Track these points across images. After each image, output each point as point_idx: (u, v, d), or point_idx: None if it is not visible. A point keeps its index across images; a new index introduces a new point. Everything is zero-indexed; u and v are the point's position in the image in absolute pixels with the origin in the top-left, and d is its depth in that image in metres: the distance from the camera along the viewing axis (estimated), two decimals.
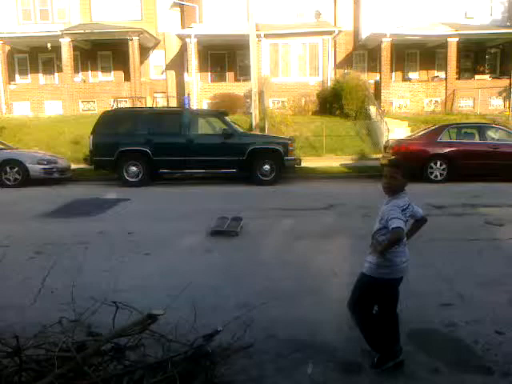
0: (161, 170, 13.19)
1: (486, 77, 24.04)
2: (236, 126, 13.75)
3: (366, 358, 3.35)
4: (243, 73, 23.70)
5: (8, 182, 12.59)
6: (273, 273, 5.31)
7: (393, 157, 13.21)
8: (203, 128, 13.32)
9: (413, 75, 24.99)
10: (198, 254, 6.10)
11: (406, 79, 24.74)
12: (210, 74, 25.16)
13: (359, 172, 15.16)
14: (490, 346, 3.50)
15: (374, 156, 16.56)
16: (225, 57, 25.03)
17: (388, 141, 14.97)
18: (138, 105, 21.42)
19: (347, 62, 24.63)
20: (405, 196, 3.21)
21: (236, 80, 24.60)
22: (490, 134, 13.52)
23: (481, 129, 13.63)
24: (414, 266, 5.44)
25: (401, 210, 3.09)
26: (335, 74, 23.48)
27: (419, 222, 3.37)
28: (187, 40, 22.35)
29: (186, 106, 21.47)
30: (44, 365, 2.55)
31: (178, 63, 24.91)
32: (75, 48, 23.38)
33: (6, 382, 2.49)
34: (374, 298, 3.24)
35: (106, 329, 3.02)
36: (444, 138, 13.13)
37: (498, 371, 3.18)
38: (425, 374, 3.17)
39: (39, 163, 12.95)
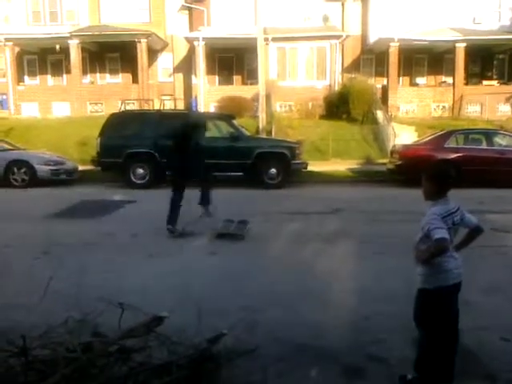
0: (168, 173, 13.21)
1: (494, 82, 23.95)
2: (243, 129, 13.78)
3: (370, 363, 3.35)
4: (251, 76, 23.73)
5: (15, 183, 12.67)
6: (277, 276, 5.31)
7: (399, 162, 13.20)
8: (210, 131, 13.34)
9: (420, 80, 24.93)
10: (202, 257, 6.12)
11: (413, 84, 24.69)
12: (217, 77, 25.23)
13: (365, 177, 15.14)
14: (495, 353, 3.48)
15: (381, 161, 16.52)
16: (232, 60, 25.09)
17: (395, 145, 14.95)
18: (146, 107, 21.49)
19: (354, 66, 24.62)
20: (446, 203, 3.02)
21: (243, 83, 24.65)
22: (498, 140, 13.47)
23: (488, 135, 13.59)
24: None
25: (441, 218, 2.93)
26: (342, 78, 23.47)
27: (473, 232, 3.20)
28: (195, 43, 22.43)
29: (194, 109, 21.52)
30: (50, 365, 2.57)
31: (186, 66, 25.00)
32: (84, 50, 23.52)
33: (13, 382, 2.51)
34: (438, 310, 3.04)
35: (112, 330, 3.04)
36: (451, 143, 13.10)
37: (502, 379, 3.17)
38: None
39: (47, 164, 13.03)
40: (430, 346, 3.07)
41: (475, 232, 3.20)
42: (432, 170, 3.15)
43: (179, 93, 25.30)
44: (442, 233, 2.81)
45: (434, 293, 3.04)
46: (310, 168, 13.68)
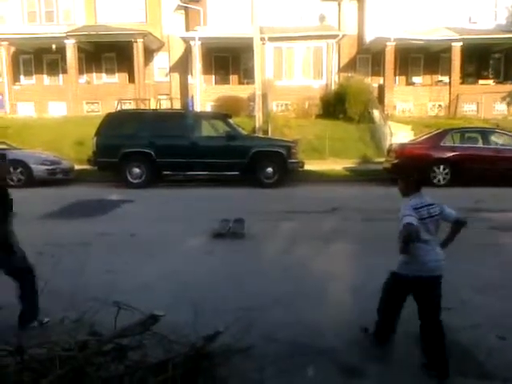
0: (164, 172, 13.22)
1: (490, 81, 23.98)
2: (239, 128, 13.77)
3: (367, 362, 3.35)
4: (247, 76, 23.71)
5: (11, 183, 12.60)
6: (274, 275, 5.31)
7: (396, 160, 13.22)
8: (206, 130, 13.35)
9: (416, 79, 24.95)
10: (199, 256, 6.11)
11: (409, 83, 24.71)
12: (213, 76, 25.20)
13: (362, 176, 15.15)
14: (492, 352, 3.48)
15: (377, 160, 16.53)
16: (229, 59, 25.05)
17: (391, 144, 14.96)
18: (142, 107, 21.45)
19: (351, 65, 24.64)
20: (419, 197, 3.34)
21: (240, 83, 24.62)
22: (494, 138, 13.50)
23: (484, 133, 13.63)
24: None
25: (412, 209, 3.22)
26: (339, 78, 23.47)
27: (455, 225, 3.47)
28: (191, 43, 22.40)
29: (190, 109, 21.50)
30: (46, 364, 2.56)
31: (182, 66, 24.95)
32: (80, 49, 23.44)
33: (8, 381, 2.50)
34: (401, 296, 3.42)
35: (108, 329, 3.03)
36: (447, 142, 13.12)
37: (499, 377, 3.18)
38: (426, 378, 3.16)
39: (43, 164, 12.99)
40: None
41: (457, 225, 3.47)
42: (403, 171, 3.57)
43: (175, 92, 25.25)
44: (409, 219, 3.12)
45: (402, 278, 3.34)
46: (306, 167, 13.69)
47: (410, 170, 3.57)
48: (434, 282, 3.31)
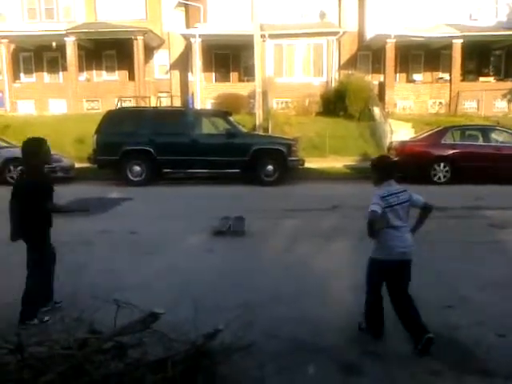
0: (164, 170, 13.21)
1: (491, 79, 23.94)
2: (240, 126, 13.76)
3: (367, 359, 3.36)
4: (247, 73, 23.68)
5: (12, 181, 12.61)
6: (274, 273, 5.31)
7: (396, 158, 13.20)
8: (207, 128, 13.34)
9: (417, 77, 24.91)
10: (200, 254, 6.12)
11: (410, 80, 24.68)
12: (214, 73, 25.17)
13: (362, 173, 15.12)
14: (492, 349, 3.49)
15: None
16: (229, 57, 25.03)
17: (392, 142, 14.96)
18: (142, 104, 21.43)
19: (351, 62, 24.59)
20: (388, 186, 3.61)
21: (240, 80, 24.59)
22: (494, 136, 13.48)
23: (485, 131, 13.61)
24: (416, 268, 5.46)
25: (380, 198, 3.52)
26: (339, 75, 23.43)
27: (423, 211, 3.72)
28: (192, 40, 22.37)
29: (190, 106, 21.48)
30: (46, 362, 2.56)
31: (183, 63, 24.92)
32: (80, 47, 23.42)
33: (9, 379, 2.50)
34: (375, 277, 3.70)
35: (108, 327, 3.03)
36: (448, 139, 13.11)
37: (499, 374, 3.18)
38: (426, 375, 3.17)
39: None
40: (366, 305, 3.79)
41: (424, 210, 3.72)
42: (375, 162, 3.81)
43: (176, 90, 25.23)
44: (373, 207, 3.47)
45: (375, 262, 3.66)
46: (306, 165, 13.68)
47: (379, 160, 3.84)
48: (402, 266, 3.61)
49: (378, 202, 3.48)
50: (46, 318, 3.99)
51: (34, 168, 4.07)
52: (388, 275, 3.65)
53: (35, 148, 4.06)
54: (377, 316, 3.74)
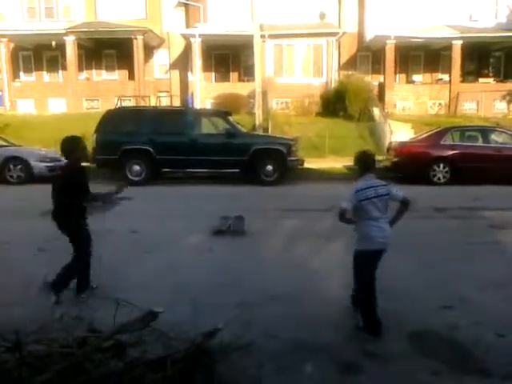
0: (164, 169, 13.19)
1: (490, 80, 23.96)
2: (239, 125, 13.74)
3: (366, 359, 3.35)
4: (247, 73, 23.68)
5: (11, 180, 12.61)
6: (274, 272, 5.31)
7: (396, 159, 13.21)
8: (206, 127, 13.32)
9: (417, 77, 24.93)
10: (199, 253, 6.11)
11: (409, 81, 24.69)
12: (213, 73, 25.17)
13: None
14: (490, 349, 3.49)
15: (377, 158, 16.44)
16: (229, 57, 25.03)
17: (391, 143, 14.95)
18: (142, 104, 21.41)
19: (351, 63, 24.60)
20: (368, 179, 3.92)
21: (240, 80, 24.59)
22: (494, 137, 13.48)
23: (484, 132, 13.61)
24: (415, 268, 5.47)
25: (355, 191, 3.85)
26: (339, 76, 23.45)
27: (401, 205, 4.00)
28: (191, 40, 22.37)
29: (190, 106, 21.47)
30: (45, 360, 2.56)
31: (182, 63, 24.92)
32: (80, 46, 23.41)
33: (7, 377, 2.50)
34: (363, 268, 3.92)
35: (108, 326, 3.02)
36: (447, 140, 13.10)
37: (497, 374, 3.18)
38: (425, 375, 3.17)
39: (42, 161, 12.95)
40: (357, 296, 3.98)
41: (403, 204, 3.99)
42: (356, 156, 4.13)
43: (175, 89, 25.22)
44: (344, 203, 3.84)
45: (360, 253, 3.91)
46: (306, 165, 13.67)
47: (359, 155, 4.12)
48: (379, 255, 3.89)
49: (349, 199, 3.82)
50: (83, 296, 4.47)
51: (71, 163, 4.50)
52: (374, 263, 3.90)
53: (72, 145, 4.45)
54: (372, 309, 3.83)
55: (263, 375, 3.07)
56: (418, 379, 3.13)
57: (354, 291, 4.06)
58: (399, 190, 3.97)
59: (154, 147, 12.56)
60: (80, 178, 4.51)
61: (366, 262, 3.89)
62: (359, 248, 3.91)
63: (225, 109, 15.82)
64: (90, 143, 13.38)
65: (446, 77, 23.78)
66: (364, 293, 3.88)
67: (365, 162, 4.03)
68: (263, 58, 20.85)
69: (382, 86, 23.23)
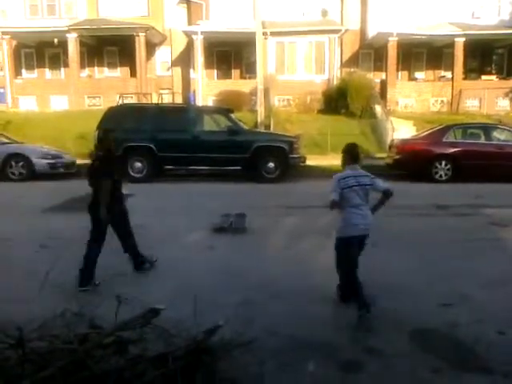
0: (165, 166, 13.21)
1: (493, 77, 23.90)
2: (241, 123, 13.74)
3: (367, 356, 3.36)
4: (249, 70, 23.66)
5: (13, 176, 12.64)
6: (275, 270, 5.32)
7: (397, 156, 13.19)
8: (208, 125, 13.32)
9: (419, 75, 24.88)
10: (201, 251, 6.12)
11: (412, 79, 24.64)
12: (215, 71, 25.14)
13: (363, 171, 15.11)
14: (492, 347, 3.49)
15: (379, 155, 16.51)
16: (231, 54, 25.00)
17: (393, 140, 14.93)
18: (144, 101, 21.41)
19: (353, 60, 24.55)
20: (351, 169, 4.19)
21: (242, 77, 24.57)
22: (496, 134, 13.45)
23: (486, 129, 13.58)
24: (417, 265, 5.47)
25: (337, 180, 4.13)
26: (341, 73, 23.41)
27: (383, 195, 4.25)
28: (193, 37, 22.34)
29: (192, 103, 21.47)
30: (47, 357, 2.57)
31: (184, 60, 24.90)
32: (82, 43, 23.40)
33: (9, 373, 2.51)
34: (345, 254, 4.15)
35: (109, 322, 3.04)
36: (450, 138, 13.08)
37: (498, 371, 3.18)
38: (426, 373, 3.17)
39: (44, 158, 12.99)
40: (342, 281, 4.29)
41: (385, 195, 4.24)
42: (343, 149, 4.37)
43: (177, 87, 25.21)
44: (333, 195, 4.08)
45: (341, 241, 4.16)
46: (308, 162, 13.66)
47: (346, 147, 4.35)
48: (362, 240, 4.15)
49: (335, 190, 4.08)
50: (97, 282, 4.73)
51: (103, 154, 4.95)
52: (356, 248, 4.14)
53: (101, 138, 5.07)
54: (359, 290, 4.01)
55: (265, 372, 3.08)
56: (419, 377, 3.13)
57: (340, 281, 4.33)
58: (383, 183, 4.29)
59: (156, 144, 12.58)
60: (109, 167, 4.94)
61: (347, 249, 4.11)
62: (341, 235, 4.16)
63: (227, 106, 15.82)
64: (91, 140, 13.45)
65: (448, 74, 23.72)
66: (350, 277, 4.11)
67: (351, 154, 4.28)
68: (265, 55, 20.83)
69: (384, 84, 23.20)
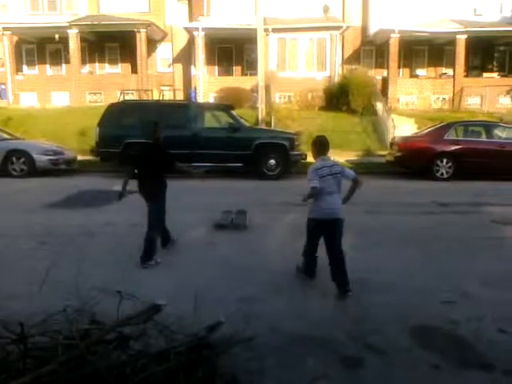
0: None
1: (495, 75, 23.86)
2: (242, 120, 13.73)
3: (368, 352, 3.37)
4: (250, 67, 23.63)
5: (14, 173, 12.64)
6: (276, 267, 5.32)
7: (399, 154, 13.18)
8: (209, 122, 13.32)
9: (420, 72, 24.84)
10: (202, 247, 6.12)
11: (413, 76, 24.61)
12: (216, 67, 25.11)
13: (364, 168, 15.10)
14: (492, 344, 3.50)
15: (380, 153, 16.50)
16: (232, 51, 24.97)
17: (394, 137, 14.92)
18: (145, 97, 21.41)
19: (355, 57, 24.52)
20: (322, 160, 4.61)
21: (243, 74, 24.55)
22: (497, 132, 13.43)
23: (488, 127, 13.56)
24: (418, 263, 5.48)
25: (314, 170, 4.49)
26: (342, 70, 23.38)
27: (353, 183, 4.69)
28: (194, 33, 22.31)
29: (193, 100, 21.45)
30: (48, 352, 2.58)
31: (185, 56, 24.88)
32: (83, 39, 23.39)
33: (11, 369, 2.52)
34: (311, 232, 4.70)
35: (110, 318, 3.04)
36: (451, 135, 13.06)
37: (499, 369, 3.19)
38: (426, 370, 3.17)
39: (46, 154, 12.98)
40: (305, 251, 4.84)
41: (354, 183, 4.68)
42: (313, 140, 4.75)
43: (178, 83, 25.20)
44: (313, 183, 4.44)
45: (311, 221, 4.65)
46: (308, 159, 13.63)
47: (315, 140, 4.74)
48: (334, 224, 4.52)
49: (315, 178, 4.43)
50: (159, 260, 5.36)
51: (154, 142, 5.76)
52: (322, 231, 4.56)
53: (153, 129, 5.73)
54: (311, 261, 4.73)
55: (265, 368, 3.09)
56: (420, 373, 3.14)
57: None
58: (352, 171, 4.74)
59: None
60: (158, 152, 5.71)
61: (314, 229, 4.62)
62: (310, 216, 4.64)
63: (228, 103, 15.80)
64: (92, 137, 13.45)
65: (449, 71, 23.69)
66: (309, 245, 4.74)
67: (320, 145, 4.69)
68: (266, 52, 20.81)
69: (385, 81, 23.18)
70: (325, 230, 4.55)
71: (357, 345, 3.49)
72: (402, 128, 17.77)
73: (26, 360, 2.55)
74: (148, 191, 5.57)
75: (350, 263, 5.30)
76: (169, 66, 25.55)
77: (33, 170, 12.68)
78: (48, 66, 25.59)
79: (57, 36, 22.91)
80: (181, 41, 24.99)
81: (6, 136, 14.02)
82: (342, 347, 3.46)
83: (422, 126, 16.92)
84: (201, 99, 21.90)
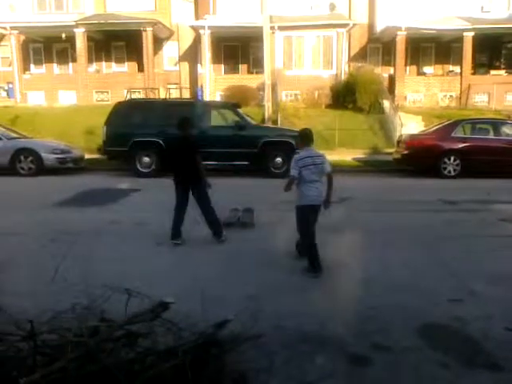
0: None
1: (502, 72, 23.69)
2: (249, 118, 13.74)
3: (374, 351, 3.37)
4: (256, 65, 23.61)
5: (22, 171, 12.72)
6: (283, 265, 5.33)
7: (406, 151, 13.14)
8: (216, 120, 13.33)
9: (427, 69, 24.72)
10: (209, 245, 6.14)
11: (420, 73, 24.50)
12: (223, 65, 25.11)
13: (371, 166, 15.09)
14: (500, 343, 3.48)
15: (387, 150, 16.46)
16: (238, 49, 24.96)
17: (401, 135, 14.88)
18: (152, 96, 21.46)
19: (361, 55, 24.43)
20: (306, 150, 5.02)
21: (249, 72, 24.54)
22: (505, 129, 13.37)
23: (495, 125, 13.49)
24: (425, 261, 5.47)
25: (297, 160, 4.92)
26: (349, 67, 23.30)
27: (328, 179, 5.13)
28: (201, 31, 22.32)
29: (199, 98, 21.48)
30: (58, 349, 2.60)
31: (192, 55, 24.90)
32: (89, 38, 23.47)
33: (21, 365, 2.54)
34: (300, 219, 5.02)
35: (118, 316, 3.06)
36: (458, 133, 13.02)
37: (507, 367, 3.18)
38: (434, 368, 3.17)
39: (53, 153, 13.05)
40: (302, 243, 5.15)
41: (329, 178, 5.14)
42: (299, 132, 5.24)
43: (185, 82, 25.23)
44: (292, 172, 4.91)
45: (298, 208, 5.02)
46: None
47: (301, 131, 5.14)
48: (314, 210, 5.01)
49: (295, 167, 4.86)
50: (179, 242, 6.00)
51: (184, 135, 6.20)
52: (310, 215, 4.95)
53: (181, 124, 6.22)
54: (314, 254, 4.85)
55: (272, 366, 3.10)
56: (427, 372, 3.14)
57: (299, 239, 5.24)
58: (328, 165, 5.10)
59: (164, 139, 12.59)
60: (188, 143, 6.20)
61: (302, 215, 4.98)
62: (298, 204, 5.01)
63: (234, 101, 15.81)
64: (99, 135, 13.51)
65: (457, 69, 23.56)
66: (306, 238, 4.98)
67: (305, 137, 5.04)
68: (272, 50, 20.78)
69: (392, 78, 23.08)
70: (310, 214, 4.97)
71: (364, 343, 3.49)
72: (409, 126, 17.73)
73: (36, 357, 2.58)
74: (188, 177, 6.19)
75: (355, 260, 5.31)
76: (175, 65, 25.59)
77: (41, 169, 12.76)
78: (55, 64, 25.71)
79: (64, 35, 23.00)
80: (187, 39, 25.01)
81: (13, 135, 14.11)
82: (350, 346, 3.46)
83: (429, 124, 16.86)
84: (207, 97, 21.92)
